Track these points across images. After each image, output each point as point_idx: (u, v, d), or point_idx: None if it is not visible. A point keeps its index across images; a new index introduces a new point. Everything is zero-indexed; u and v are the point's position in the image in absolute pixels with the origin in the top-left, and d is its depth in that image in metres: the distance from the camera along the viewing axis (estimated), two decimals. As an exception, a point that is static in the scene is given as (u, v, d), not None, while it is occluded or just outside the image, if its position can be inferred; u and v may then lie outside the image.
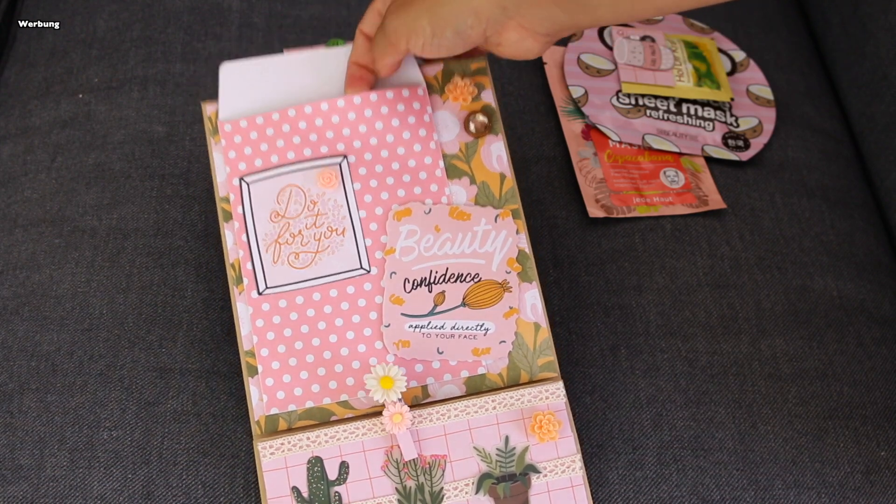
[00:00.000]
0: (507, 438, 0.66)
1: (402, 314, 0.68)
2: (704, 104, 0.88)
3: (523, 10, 0.57)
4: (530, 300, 0.68)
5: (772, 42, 0.96)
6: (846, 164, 0.90)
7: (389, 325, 0.67)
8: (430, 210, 0.69)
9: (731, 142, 0.87)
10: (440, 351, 0.67)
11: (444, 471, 0.65)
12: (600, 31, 0.91)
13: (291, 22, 0.91)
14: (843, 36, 0.95)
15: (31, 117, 0.85)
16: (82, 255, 0.76)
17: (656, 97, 0.88)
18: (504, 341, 0.68)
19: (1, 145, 0.84)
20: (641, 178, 0.83)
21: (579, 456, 0.65)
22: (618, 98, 0.87)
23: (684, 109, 0.88)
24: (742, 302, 0.77)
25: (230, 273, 0.68)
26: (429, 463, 0.65)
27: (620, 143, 0.85)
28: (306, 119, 0.69)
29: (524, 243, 0.69)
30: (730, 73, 0.91)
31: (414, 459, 0.65)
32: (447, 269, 0.68)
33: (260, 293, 0.67)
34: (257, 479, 0.66)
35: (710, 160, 0.86)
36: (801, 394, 0.73)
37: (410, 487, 0.64)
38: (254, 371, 0.67)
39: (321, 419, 0.66)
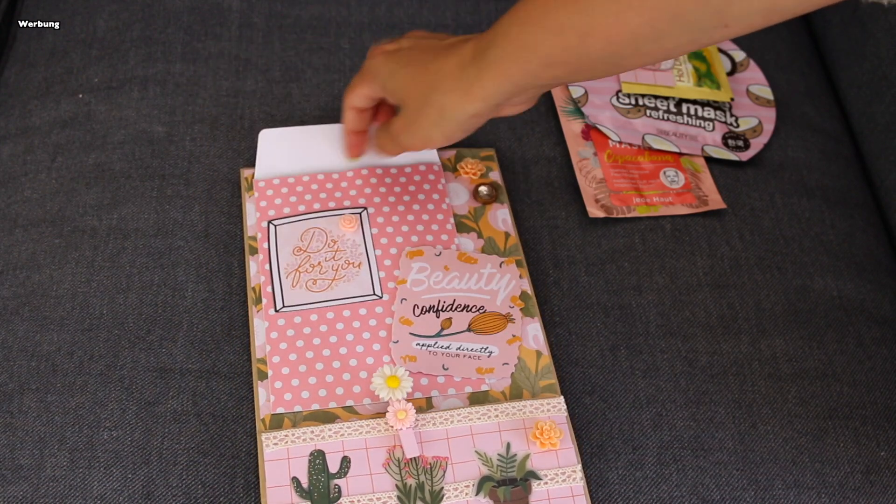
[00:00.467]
0: (508, 445, 0.66)
1: (411, 333, 0.71)
2: (704, 104, 0.88)
3: (512, 98, 0.64)
4: (532, 332, 0.72)
5: (772, 42, 0.96)
6: (846, 164, 0.90)
7: (398, 341, 0.70)
8: (440, 253, 0.75)
9: (731, 142, 0.87)
10: (445, 367, 0.70)
11: (444, 471, 0.65)
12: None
13: (291, 22, 0.91)
14: (843, 36, 0.95)
15: (31, 117, 0.85)
16: (82, 255, 0.76)
17: (656, 97, 0.88)
18: (507, 363, 0.71)
19: (1, 145, 0.84)
20: (641, 178, 0.83)
21: (580, 466, 0.66)
22: (618, 98, 0.87)
23: (684, 109, 0.88)
24: (742, 302, 0.78)
25: (250, 295, 0.73)
26: (430, 463, 0.65)
27: (620, 143, 0.85)
28: (333, 181, 0.78)
29: (527, 286, 0.74)
30: (730, 73, 0.91)
31: (415, 458, 0.65)
32: (454, 300, 0.73)
33: (277, 310, 0.72)
34: (257, 480, 0.67)
35: (710, 160, 0.86)
36: (801, 394, 0.74)
37: (411, 485, 0.64)
38: (264, 376, 0.69)
39: (325, 422, 0.67)
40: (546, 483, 0.65)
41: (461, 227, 0.77)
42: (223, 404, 0.70)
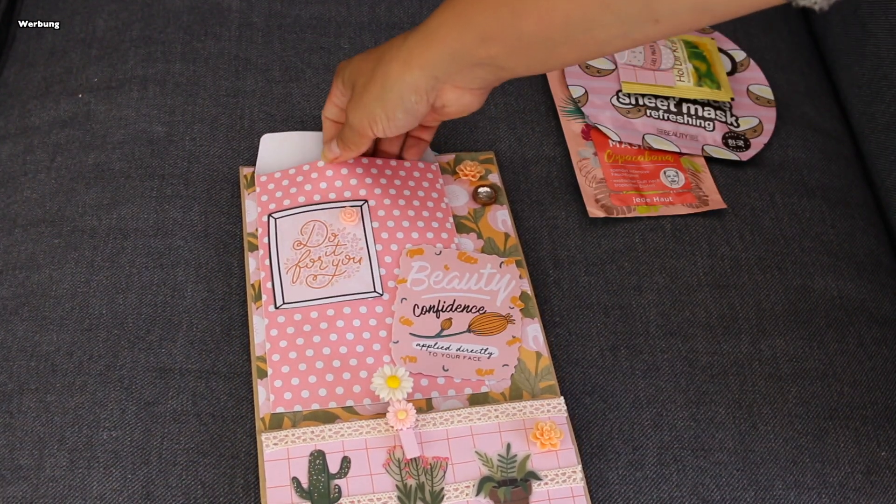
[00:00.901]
0: (508, 445, 0.66)
1: (411, 333, 0.71)
2: (704, 104, 0.88)
3: (451, 75, 0.65)
4: (532, 332, 0.72)
5: (772, 42, 0.96)
6: (846, 163, 0.90)
7: (398, 341, 0.70)
8: (440, 252, 0.75)
9: (731, 142, 0.87)
10: (445, 369, 0.70)
11: (445, 472, 0.65)
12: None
13: (291, 21, 0.91)
14: (843, 36, 0.95)
15: (31, 117, 0.85)
16: (82, 255, 0.76)
17: (656, 97, 0.88)
18: (507, 365, 0.71)
19: (1, 145, 0.84)
20: (641, 178, 0.83)
21: (580, 467, 0.66)
22: (618, 98, 0.87)
23: (684, 109, 0.88)
24: (742, 302, 0.77)
25: (250, 292, 0.73)
26: (430, 464, 0.65)
27: (620, 142, 0.85)
28: (334, 170, 0.77)
29: (527, 287, 0.74)
30: (730, 73, 0.91)
31: (415, 459, 0.65)
32: (454, 300, 0.73)
33: (277, 307, 0.71)
34: (257, 480, 0.66)
35: (710, 160, 0.86)
36: (802, 394, 0.73)
37: (411, 486, 0.64)
38: (263, 374, 0.69)
39: (325, 422, 0.67)
40: (546, 483, 0.65)
41: (461, 228, 0.77)
42: (223, 404, 0.70)
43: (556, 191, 0.82)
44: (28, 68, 0.89)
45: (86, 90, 0.86)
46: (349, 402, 0.68)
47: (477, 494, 0.64)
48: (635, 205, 0.81)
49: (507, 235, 0.77)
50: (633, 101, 0.87)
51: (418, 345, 0.70)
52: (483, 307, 0.73)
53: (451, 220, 0.77)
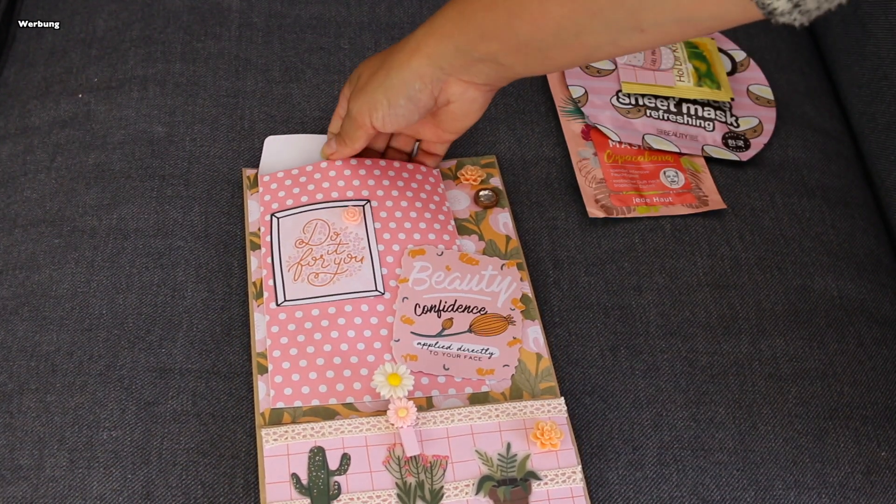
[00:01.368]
0: (508, 445, 0.66)
1: (412, 332, 0.71)
2: (704, 104, 0.88)
3: (456, 68, 0.67)
4: (532, 334, 0.73)
5: (772, 42, 0.96)
6: (846, 163, 0.90)
7: (399, 340, 0.71)
8: (442, 253, 0.75)
9: (731, 142, 0.87)
10: (446, 367, 0.70)
11: (444, 470, 0.65)
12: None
13: (291, 22, 0.91)
14: (843, 36, 0.95)
15: (31, 117, 0.85)
16: (82, 255, 0.76)
17: (656, 97, 0.88)
18: (507, 365, 0.71)
19: (1, 145, 0.84)
20: (641, 179, 0.83)
21: (580, 467, 0.66)
22: (618, 98, 0.87)
23: (684, 109, 0.88)
24: (742, 302, 0.77)
25: (251, 290, 0.73)
26: (430, 462, 0.65)
27: (620, 143, 0.85)
28: (336, 169, 0.77)
29: (527, 289, 0.75)
30: (730, 73, 0.91)
31: (415, 457, 0.65)
32: (455, 300, 0.73)
33: (278, 304, 0.72)
34: (257, 480, 0.66)
35: (710, 160, 0.86)
36: (802, 394, 0.73)
37: (410, 484, 0.64)
38: (263, 370, 0.69)
39: (325, 418, 0.67)
40: (546, 483, 0.65)
41: (462, 230, 0.77)
42: (223, 404, 0.70)
43: (555, 191, 0.82)
44: (28, 68, 0.90)
45: (86, 90, 0.86)
46: (349, 399, 0.68)
47: (476, 493, 0.64)
48: (635, 205, 0.81)
49: (508, 238, 0.77)
50: (633, 102, 0.87)
51: (419, 343, 0.70)
52: (484, 308, 0.73)
53: (452, 222, 0.77)
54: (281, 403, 0.67)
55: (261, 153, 0.82)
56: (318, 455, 0.65)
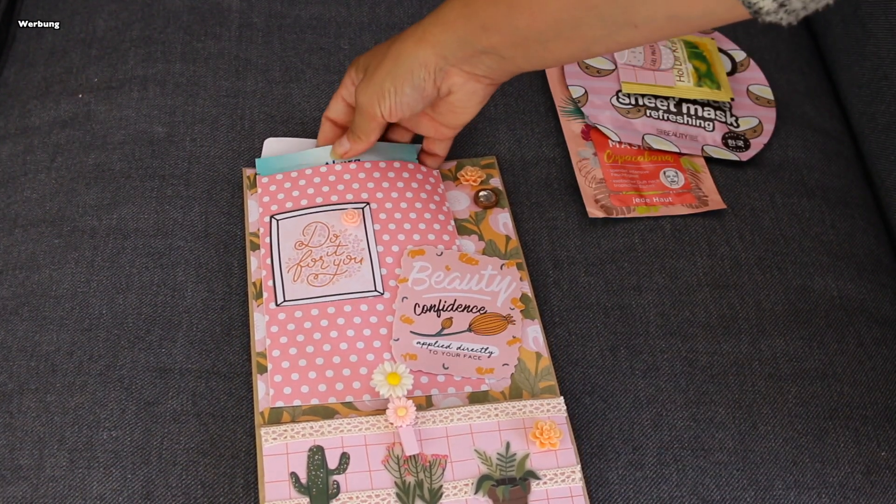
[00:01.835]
0: (507, 444, 0.66)
1: (412, 332, 0.71)
2: (704, 104, 0.88)
3: (459, 59, 0.68)
4: (532, 333, 0.73)
5: (772, 42, 0.96)
6: (846, 163, 0.90)
7: (399, 339, 0.71)
8: (441, 253, 0.75)
9: (731, 142, 0.87)
10: (445, 367, 0.70)
11: (444, 470, 0.65)
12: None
13: (291, 22, 0.91)
14: (843, 36, 0.95)
15: (31, 117, 0.85)
16: (82, 255, 0.76)
17: (656, 97, 0.88)
18: (507, 364, 0.71)
19: (1, 145, 0.84)
20: (641, 179, 0.83)
21: (579, 467, 0.66)
22: (618, 98, 0.87)
23: (684, 109, 0.88)
24: (742, 302, 0.77)
25: (251, 290, 0.73)
26: (429, 461, 0.65)
27: (620, 143, 0.85)
28: (336, 174, 0.78)
29: (527, 289, 0.75)
30: (730, 73, 0.91)
31: (415, 456, 0.65)
32: (455, 300, 0.73)
33: (278, 305, 0.72)
34: (257, 479, 0.66)
35: (710, 160, 0.86)
36: (802, 394, 0.73)
37: (410, 483, 0.64)
38: (263, 369, 0.69)
39: (324, 417, 0.67)
40: (545, 483, 0.65)
41: (462, 230, 0.78)
42: (222, 404, 0.70)
43: (555, 191, 0.83)
44: (28, 68, 0.90)
45: (86, 90, 0.86)
46: (349, 398, 0.68)
47: (475, 493, 0.64)
48: (635, 205, 0.81)
49: (508, 238, 0.78)
50: (633, 102, 0.87)
51: (419, 343, 0.71)
52: (483, 307, 0.73)
53: (452, 223, 0.77)
54: (280, 403, 0.67)
55: (260, 153, 0.82)
56: (317, 454, 0.65)
